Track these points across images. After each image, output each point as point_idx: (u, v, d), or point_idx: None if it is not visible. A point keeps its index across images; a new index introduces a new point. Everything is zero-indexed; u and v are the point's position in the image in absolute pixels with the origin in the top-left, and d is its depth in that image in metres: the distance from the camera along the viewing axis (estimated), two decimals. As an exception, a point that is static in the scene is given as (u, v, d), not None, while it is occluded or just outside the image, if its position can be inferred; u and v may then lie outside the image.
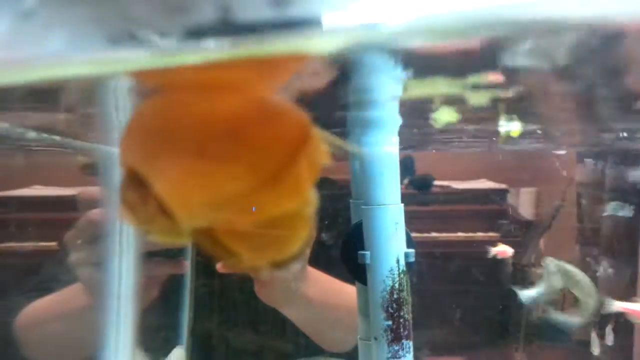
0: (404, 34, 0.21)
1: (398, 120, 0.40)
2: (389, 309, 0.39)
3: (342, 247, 0.44)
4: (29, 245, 1.45)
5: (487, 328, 1.80)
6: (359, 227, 0.43)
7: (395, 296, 0.39)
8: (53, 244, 1.29)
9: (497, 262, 1.87)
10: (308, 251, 0.56)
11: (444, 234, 1.79)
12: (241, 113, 0.21)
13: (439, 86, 0.30)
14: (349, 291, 0.69)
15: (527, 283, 1.84)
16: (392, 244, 0.39)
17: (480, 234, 1.81)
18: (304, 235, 0.24)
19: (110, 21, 0.12)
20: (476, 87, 0.30)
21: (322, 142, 0.23)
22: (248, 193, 0.21)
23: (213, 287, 0.64)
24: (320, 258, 0.81)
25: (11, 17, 0.13)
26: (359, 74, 0.30)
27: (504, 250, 1.56)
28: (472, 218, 1.83)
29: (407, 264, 0.40)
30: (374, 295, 0.39)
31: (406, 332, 0.39)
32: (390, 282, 0.39)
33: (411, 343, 0.40)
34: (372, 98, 0.36)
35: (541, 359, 1.82)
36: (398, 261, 0.39)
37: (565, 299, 1.82)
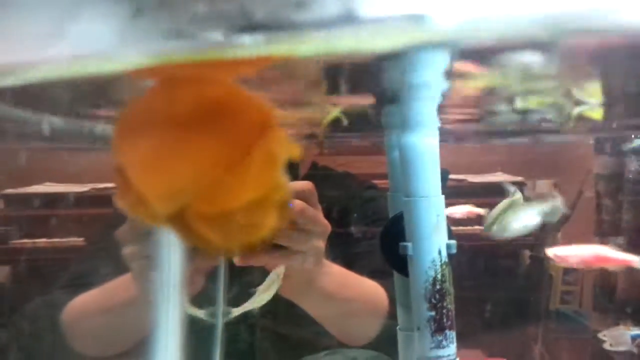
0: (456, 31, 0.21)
1: (438, 111, 0.40)
2: (432, 299, 0.39)
3: (381, 238, 0.44)
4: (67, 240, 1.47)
5: (504, 320, 1.80)
6: (398, 219, 0.44)
7: (437, 287, 0.40)
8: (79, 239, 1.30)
9: (515, 255, 1.87)
10: (323, 244, 0.56)
11: (461, 227, 1.79)
12: (201, 101, 0.22)
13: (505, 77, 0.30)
14: (366, 285, 0.70)
15: (546, 276, 1.84)
16: (434, 235, 0.40)
17: (497, 226, 1.80)
18: (272, 220, 0.24)
19: (227, 17, 0.13)
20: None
21: (284, 132, 0.23)
22: (209, 179, 0.21)
23: (248, 277, 0.65)
24: (346, 250, 0.82)
25: (123, 15, 0.13)
26: (406, 68, 0.30)
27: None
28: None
29: (449, 255, 0.40)
30: (417, 287, 0.40)
31: (449, 323, 0.40)
32: (432, 273, 0.39)
33: (454, 333, 0.40)
34: (416, 90, 0.36)
35: (559, 350, 1.82)
36: (440, 252, 0.40)
37: (582, 295, 1.82)
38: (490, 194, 1.83)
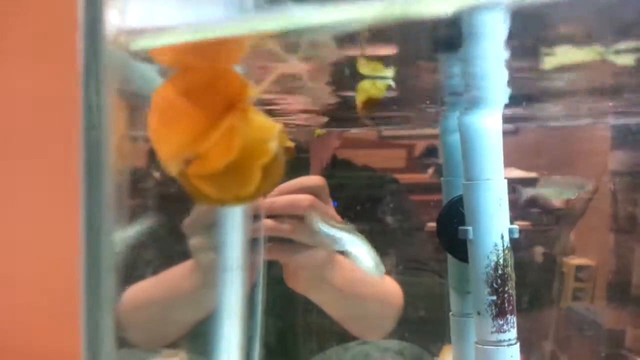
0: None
1: (504, 92, 0.39)
2: (494, 284, 0.39)
3: (438, 222, 0.43)
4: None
5: (516, 318, 1.79)
6: (455, 203, 0.43)
7: (499, 272, 0.39)
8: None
9: (527, 252, 1.86)
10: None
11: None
12: (193, 81, 0.28)
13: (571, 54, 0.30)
14: (380, 280, 0.69)
15: (558, 273, 1.83)
16: (496, 219, 0.39)
17: (510, 222, 1.80)
18: (257, 179, 0.29)
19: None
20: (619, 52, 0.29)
21: (252, 109, 0.28)
22: (196, 145, 0.27)
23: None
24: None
25: None
26: (467, 41, 0.29)
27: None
28: (502, 207, 1.82)
29: (511, 239, 0.40)
30: (477, 271, 0.39)
31: (510, 307, 0.39)
32: (494, 258, 0.39)
33: (515, 318, 0.40)
34: (479, 69, 0.36)
35: (570, 347, 1.82)
36: (502, 237, 0.39)
37: (595, 292, 1.81)
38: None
